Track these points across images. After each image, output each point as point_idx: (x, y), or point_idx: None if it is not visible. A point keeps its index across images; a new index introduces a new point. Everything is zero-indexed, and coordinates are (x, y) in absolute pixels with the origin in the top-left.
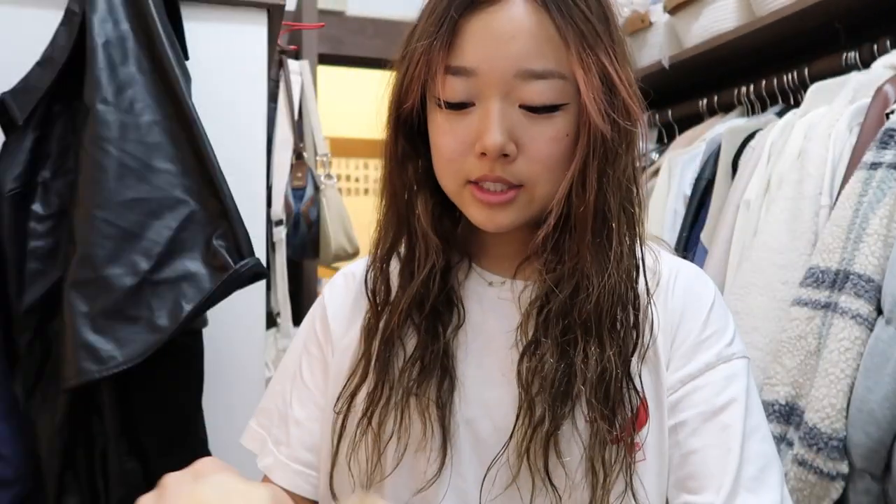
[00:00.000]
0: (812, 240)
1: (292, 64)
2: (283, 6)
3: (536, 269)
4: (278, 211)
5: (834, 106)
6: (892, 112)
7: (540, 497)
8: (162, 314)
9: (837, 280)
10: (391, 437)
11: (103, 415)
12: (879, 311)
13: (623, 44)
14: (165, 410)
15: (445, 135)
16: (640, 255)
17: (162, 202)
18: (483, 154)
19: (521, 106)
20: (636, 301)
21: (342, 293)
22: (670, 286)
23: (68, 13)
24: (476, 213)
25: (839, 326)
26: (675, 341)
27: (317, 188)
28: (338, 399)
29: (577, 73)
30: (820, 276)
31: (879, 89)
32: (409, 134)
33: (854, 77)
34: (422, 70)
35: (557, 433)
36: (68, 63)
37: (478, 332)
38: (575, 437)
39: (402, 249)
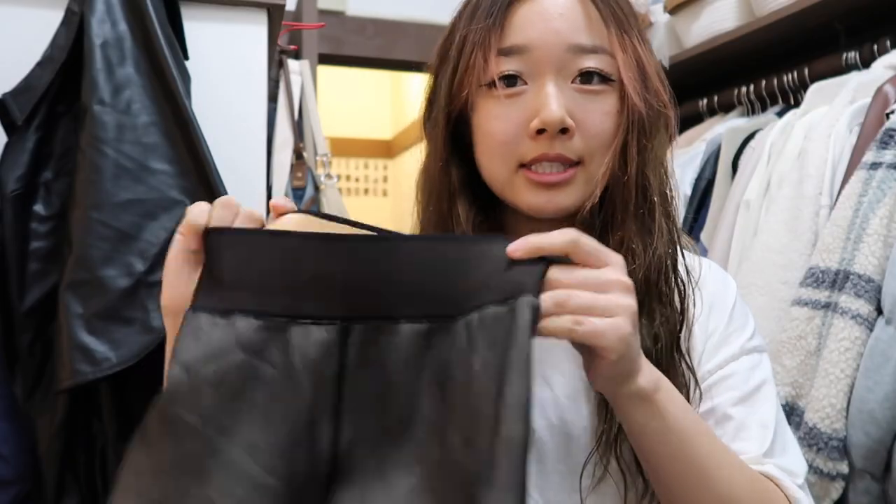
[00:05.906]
0: (812, 240)
1: (292, 64)
2: (283, 6)
3: None
4: None
5: (834, 106)
6: (892, 112)
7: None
8: (157, 315)
9: (837, 280)
10: None
11: (103, 416)
12: (879, 311)
13: (648, 41)
14: None
15: (497, 119)
16: (678, 237)
17: (158, 203)
18: (540, 132)
19: (573, 82)
20: (678, 281)
21: None
22: (705, 281)
23: (68, 13)
24: (532, 197)
25: (839, 326)
26: (705, 335)
27: (317, 188)
28: None
29: (616, 52)
30: (820, 276)
31: (879, 89)
32: (453, 136)
33: (854, 77)
34: (476, 57)
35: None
36: (70, 63)
37: None
38: None
39: None
